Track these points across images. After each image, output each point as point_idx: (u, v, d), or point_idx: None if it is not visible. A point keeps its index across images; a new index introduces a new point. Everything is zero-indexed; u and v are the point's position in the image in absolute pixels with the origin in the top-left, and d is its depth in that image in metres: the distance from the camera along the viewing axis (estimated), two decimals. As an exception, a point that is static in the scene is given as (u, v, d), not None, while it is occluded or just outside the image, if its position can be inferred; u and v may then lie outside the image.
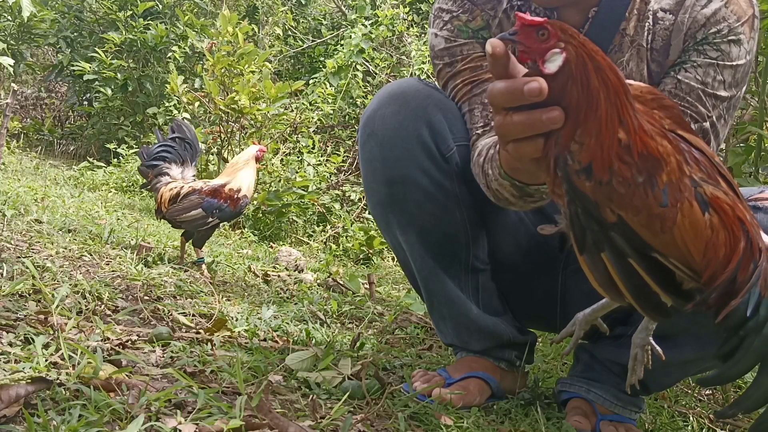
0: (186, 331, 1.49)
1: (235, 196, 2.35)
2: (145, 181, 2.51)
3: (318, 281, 2.76)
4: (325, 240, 4.29)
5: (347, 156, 5.36)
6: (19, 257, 1.72)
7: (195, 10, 6.72)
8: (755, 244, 0.79)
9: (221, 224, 2.50)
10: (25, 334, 1.16)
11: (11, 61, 2.85)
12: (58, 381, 0.96)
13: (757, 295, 0.77)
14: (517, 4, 1.30)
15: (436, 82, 1.38)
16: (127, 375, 1.06)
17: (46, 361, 1.05)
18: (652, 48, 1.22)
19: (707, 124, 1.18)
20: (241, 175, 2.44)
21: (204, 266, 2.36)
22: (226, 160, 4.23)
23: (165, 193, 2.38)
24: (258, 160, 2.52)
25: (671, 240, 0.78)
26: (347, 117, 5.87)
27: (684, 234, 0.78)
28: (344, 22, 7.25)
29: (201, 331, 1.51)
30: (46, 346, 1.11)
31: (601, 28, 1.23)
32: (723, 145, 1.96)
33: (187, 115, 4.99)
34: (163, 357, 1.26)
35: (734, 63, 1.16)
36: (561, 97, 0.78)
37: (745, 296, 0.78)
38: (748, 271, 0.78)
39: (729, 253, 0.79)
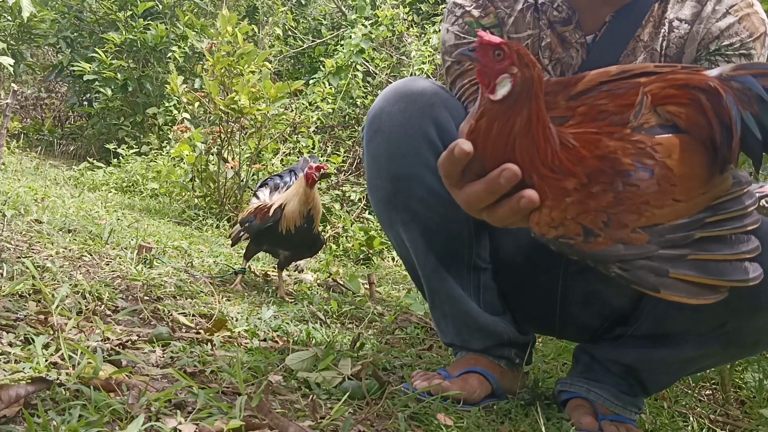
0: (186, 331, 1.49)
1: (265, 209, 2.29)
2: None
3: (318, 281, 2.76)
4: (325, 240, 4.29)
5: (347, 156, 5.36)
6: (19, 257, 1.72)
7: (195, 11, 6.73)
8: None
9: (283, 252, 2.39)
10: (25, 334, 1.16)
11: (11, 61, 2.85)
12: (58, 381, 0.96)
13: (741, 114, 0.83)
14: (535, 3, 1.31)
15: (445, 78, 1.39)
16: (127, 375, 1.06)
17: (46, 361, 1.05)
18: (666, 54, 1.24)
19: None
20: (283, 194, 2.40)
21: (240, 277, 2.32)
22: (225, 160, 4.23)
23: (243, 212, 2.46)
24: (308, 179, 2.18)
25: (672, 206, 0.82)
26: (347, 117, 5.86)
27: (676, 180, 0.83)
28: (344, 22, 7.25)
29: (201, 331, 1.51)
30: (46, 346, 1.11)
31: (616, 33, 1.25)
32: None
33: (187, 115, 4.99)
34: (163, 357, 1.25)
35: None
36: (506, 120, 0.81)
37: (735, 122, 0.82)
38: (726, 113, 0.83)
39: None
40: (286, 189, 2.41)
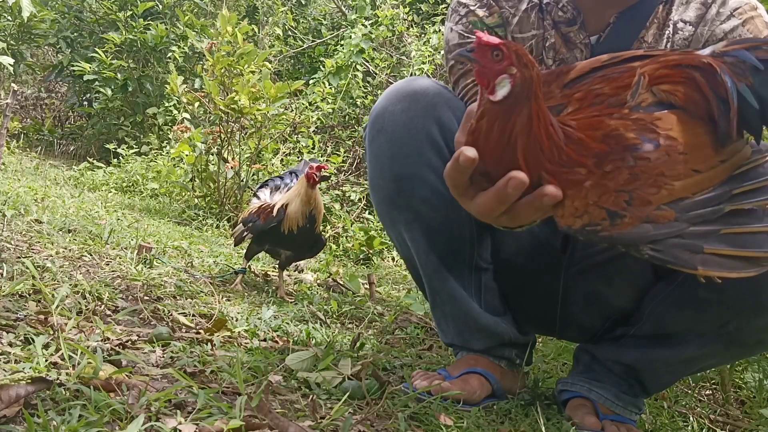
0: (186, 331, 1.49)
1: (268, 210, 2.27)
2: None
3: (318, 281, 2.76)
4: (326, 241, 4.29)
5: (347, 156, 5.36)
6: (19, 257, 1.72)
7: (195, 11, 6.73)
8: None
9: (282, 251, 2.36)
10: (25, 334, 1.15)
11: (11, 61, 2.85)
12: (58, 381, 0.96)
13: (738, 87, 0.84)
14: (540, 3, 1.30)
15: (449, 77, 1.39)
16: (127, 375, 1.06)
17: (46, 361, 1.05)
18: None
19: None
20: (289, 193, 2.35)
21: (241, 277, 2.31)
22: (225, 160, 4.23)
23: (244, 212, 2.46)
24: (309, 179, 2.20)
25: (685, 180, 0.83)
26: (347, 117, 5.86)
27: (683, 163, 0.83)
28: (344, 23, 7.25)
29: (201, 331, 1.51)
30: (46, 346, 1.11)
31: (620, 34, 1.25)
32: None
33: (187, 115, 4.99)
34: (163, 357, 1.25)
35: None
36: (506, 120, 0.82)
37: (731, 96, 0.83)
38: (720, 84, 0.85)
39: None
40: (287, 190, 2.41)
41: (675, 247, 0.81)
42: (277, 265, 2.45)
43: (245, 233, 2.34)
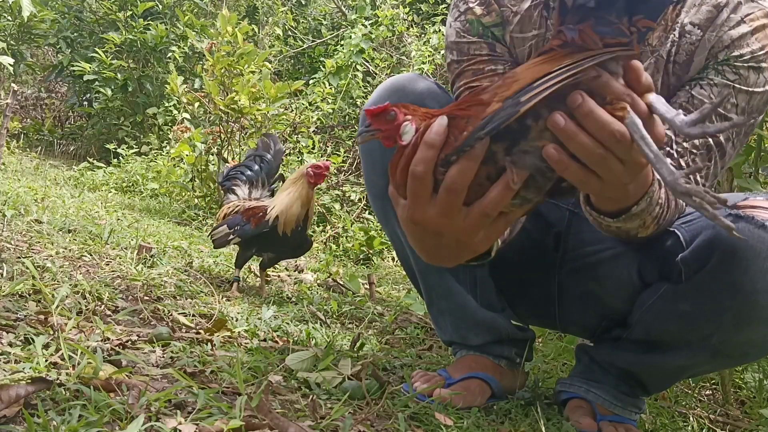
0: (186, 331, 1.49)
1: (260, 214, 2.17)
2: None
3: (318, 281, 2.76)
4: (325, 240, 4.29)
5: (347, 156, 5.36)
6: (19, 257, 1.72)
7: (195, 11, 6.73)
8: None
9: (267, 254, 2.29)
10: (25, 334, 1.16)
11: (11, 61, 2.85)
12: (58, 381, 0.96)
13: None
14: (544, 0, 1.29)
15: (449, 75, 1.40)
16: (127, 375, 1.06)
17: (46, 361, 1.05)
18: (675, 61, 1.20)
19: (712, 141, 1.18)
20: (280, 196, 2.23)
21: (236, 285, 2.23)
22: (225, 160, 4.23)
23: (224, 210, 2.37)
24: (311, 179, 2.19)
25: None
26: (347, 117, 5.87)
27: None
28: (344, 23, 7.26)
29: (201, 331, 1.51)
30: (46, 346, 1.11)
31: None
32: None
33: (187, 115, 4.99)
34: (163, 357, 1.25)
35: (750, 89, 1.15)
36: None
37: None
38: None
39: None
40: (260, 180, 2.37)
41: (499, 113, 0.85)
42: (258, 265, 2.37)
43: (231, 237, 2.22)
